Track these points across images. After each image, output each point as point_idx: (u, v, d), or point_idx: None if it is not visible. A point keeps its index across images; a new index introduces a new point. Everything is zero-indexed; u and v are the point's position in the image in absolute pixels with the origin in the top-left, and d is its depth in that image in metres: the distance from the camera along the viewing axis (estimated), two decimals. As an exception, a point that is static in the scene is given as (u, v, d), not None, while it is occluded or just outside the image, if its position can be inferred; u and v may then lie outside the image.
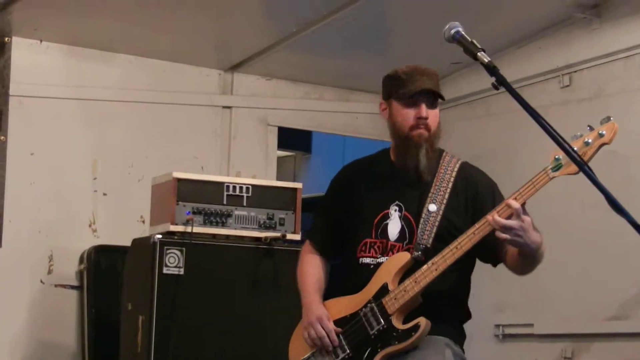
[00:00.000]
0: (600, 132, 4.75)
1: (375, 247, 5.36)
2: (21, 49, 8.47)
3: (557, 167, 4.82)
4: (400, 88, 5.26)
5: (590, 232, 7.28)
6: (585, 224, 7.12)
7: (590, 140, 4.73)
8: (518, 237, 4.83)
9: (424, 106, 5.21)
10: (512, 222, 4.81)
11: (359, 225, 5.44)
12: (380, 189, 5.46)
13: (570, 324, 8.10)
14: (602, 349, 7.90)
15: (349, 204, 5.53)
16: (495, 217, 4.86)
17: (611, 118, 4.81)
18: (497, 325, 8.47)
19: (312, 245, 5.65)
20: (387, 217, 5.36)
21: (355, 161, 5.83)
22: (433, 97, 5.25)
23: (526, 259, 5.01)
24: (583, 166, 4.30)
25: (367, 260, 5.35)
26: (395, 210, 5.36)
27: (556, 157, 4.78)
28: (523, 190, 4.91)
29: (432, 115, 5.25)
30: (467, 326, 5.39)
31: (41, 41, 8.53)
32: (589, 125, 4.78)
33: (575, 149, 4.62)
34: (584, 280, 7.87)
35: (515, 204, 4.82)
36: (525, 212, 4.86)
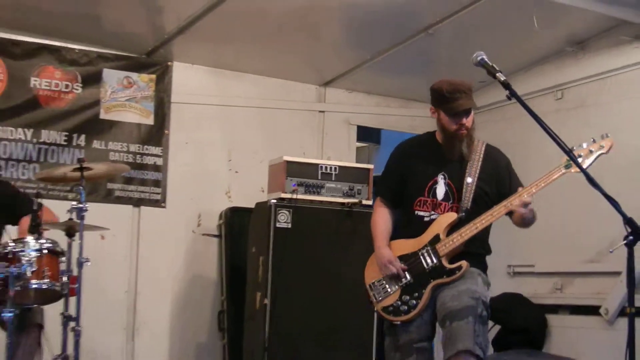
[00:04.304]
0: (601, 144, 4.99)
1: (427, 203, 5.36)
2: (179, 70, 8.74)
3: (568, 166, 4.96)
4: (445, 104, 5.26)
5: (574, 201, 7.34)
6: (570, 196, 7.14)
7: (593, 150, 4.98)
8: (526, 215, 5.10)
9: (464, 119, 5.26)
10: (524, 210, 5.02)
11: (414, 187, 5.42)
12: (431, 162, 5.43)
13: (560, 265, 8.27)
14: (582, 283, 8.07)
15: (407, 170, 5.50)
16: (524, 198, 5.02)
17: (609, 135, 5.04)
18: (509, 266, 8.66)
19: (382, 200, 5.63)
20: (436, 182, 5.36)
21: (408, 140, 5.82)
22: (469, 110, 5.29)
23: (526, 222, 5.21)
24: (584, 169, 4.68)
25: (421, 213, 5.36)
26: (442, 178, 5.37)
27: (567, 159, 4.89)
28: (543, 179, 5.07)
29: (469, 120, 5.30)
30: (489, 266, 5.43)
31: (192, 64, 8.81)
32: (592, 138, 5.00)
33: (581, 154, 4.92)
34: (570, 235, 8.03)
35: (528, 199, 5.03)
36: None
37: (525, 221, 5.25)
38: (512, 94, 4.74)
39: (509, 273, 8.65)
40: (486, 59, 4.76)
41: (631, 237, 4.25)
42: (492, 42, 7.27)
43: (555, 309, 8.30)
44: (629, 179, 7.15)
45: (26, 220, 6.05)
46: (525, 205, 5.08)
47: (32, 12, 7.66)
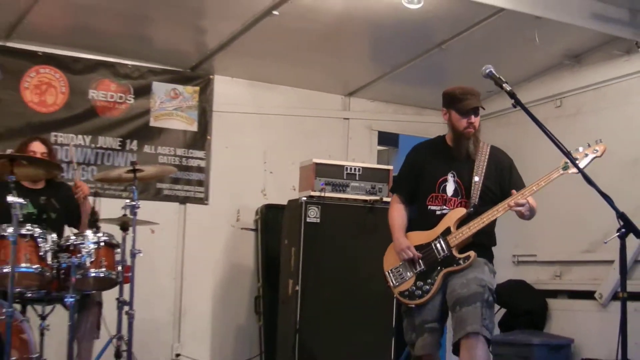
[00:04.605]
0: (595, 149, 5.01)
1: (439, 199, 5.38)
2: (220, 83, 8.76)
3: (565, 167, 4.98)
4: (457, 103, 5.30)
5: (572, 198, 7.24)
6: (568, 194, 6.96)
7: (588, 153, 5.00)
8: (524, 212, 5.07)
9: (472, 116, 5.28)
10: (522, 208, 5.04)
11: (427, 184, 5.44)
12: (442, 161, 5.44)
13: (559, 254, 8.24)
14: (579, 270, 8.04)
15: (421, 169, 5.52)
16: (518, 200, 5.05)
17: (602, 140, 5.05)
18: (514, 255, 8.60)
19: (398, 197, 5.63)
20: (446, 180, 5.38)
21: (422, 142, 5.77)
22: (477, 110, 5.32)
23: (525, 217, 5.16)
24: (581, 170, 4.67)
25: (433, 207, 5.38)
26: (451, 176, 5.38)
27: (565, 162, 4.93)
28: (543, 178, 5.08)
29: (477, 120, 5.33)
30: (496, 255, 5.45)
31: (232, 77, 8.83)
32: (588, 143, 5.01)
33: (577, 157, 4.90)
34: (568, 228, 7.99)
35: (523, 201, 5.08)
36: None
37: (524, 217, 5.23)
38: (517, 103, 4.78)
39: (513, 262, 8.61)
40: (494, 71, 4.81)
41: (623, 230, 4.29)
42: (498, 56, 7.23)
43: (555, 293, 8.27)
44: (620, 178, 7.08)
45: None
46: (520, 205, 5.10)
47: (91, 32, 7.71)
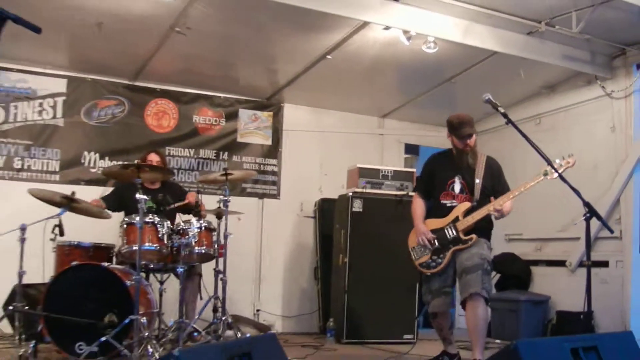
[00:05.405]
0: (568, 160, 5.01)
1: (449, 195, 5.40)
2: (288, 109, 8.73)
3: (545, 174, 5.00)
4: (456, 131, 5.35)
5: (549, 193, 6.69)
6: (546, 190, 6.86)
7: (563, 164, 4.99)
8: (497, 216, 5.20)
9: (467, 140, 5.35)
10: (496, 214, 5.16)
11: (440, 184, 5.45)
12: (450, 167, 5.44)
13: (539, 233, 8.19)
14: (554, 245, 8.01)
15: (435, 174, 5.52)
16: (496, 207, 5.14)
17: (573, 154, 5.06)
18: (506, 234, 8.45)
19: (418, 194, 5.64)
20: (454, 181, 5.41)
21: (435, 154, 5.75)
22: (471, 135, 5.36)
23: (497, 218, 5.27)
24: (560, 174, 4.79)
25: (445, 202, 5.41)
26: (458, 179, 5.40)
27: (546, 169, 4.95)
28: (527, 184, 5.11)
29: (472, 141, 5.37)
30: (492, 235, 5.47)
31: (297, 105, 8.78)
32: (562, 156, 5.02)
33: (557, 167, 4.87)
34: (546, 214, 7.91)
35: (498, 208, 5.14)
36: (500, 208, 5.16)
37: (496, 218, 5.29)
38: (509, 121, 4.82)
39: (505, 239, 8.50)
40: (491, 98, 4.85)
41: (588, 215, 4.36)
42: (493, 87, 6.80)
43: (536, 262, 8.23)
44: (584, 179, 6.93)
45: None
46: (497, 211, 5.15)
47: (194, 74, 7.77)
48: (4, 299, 6.22)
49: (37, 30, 2.66)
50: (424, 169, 5.75)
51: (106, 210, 6.29)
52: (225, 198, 5.95)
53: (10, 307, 5.48)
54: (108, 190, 6.92)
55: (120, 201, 6.44)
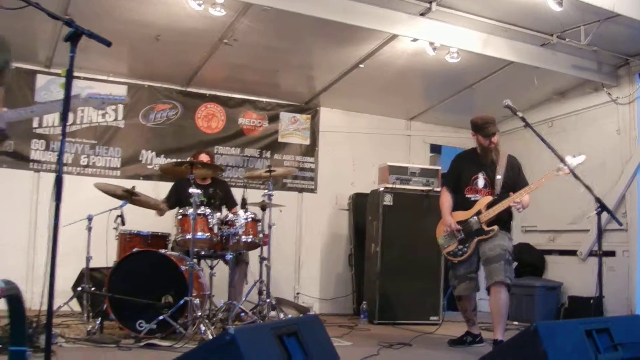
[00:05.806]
0: (579, 160, 4.88)
1: (473, 190, 5.39)
2: (324, 112, 8.71)
3: (559, 170, 4.94)
4: (481, 130, 5.33)
5: (562, 188, 6.54)
6: (560, 186, 6.80)
7: (574, 162, 4.86)
8: (518, 208, 5.13)
9: (491, 139, 5.31)
10: (517, 205, 5.11)
11: (465, 180, 5.43)
12: (474, 165, 5.43)
13: (552, 225, 8.12)
14: (566, 236, 7.94)
15: (461, 170, 5.50)
16: (515, 200, 5.10)
17: (582, 153, 4.97)
18: (522, 226, 8.44)
19: (446, 188, 5.61)
20: (477, 177, 5.39)
21: (461, 153, 5.80)
22: (495, 133, 5.32)
23: (519, 211, 5.23)
24: (573, 170, 4.77)
25: (469, 196, 5.40)
26: (482, 175, 5.39)
27: (559, 165, 4.88)
28: (542, 179, 5.06)
29: (495, 139, 5.33)
30: (511, 227, 5.50)
31: (332, 108, 8.75)
32: (574, 154, 4.91)
33: (569, 163, 4.82)
34: (559, 208, 7.79)
35: (518, 201, 5.07)
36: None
37: (518, 211, 5.22)
38: (527, 124, 4.81)
39: (522, 230, 8.45)
40: (510, 103, 4.86)
41: (599, 209, 4.36)
42: (510, 93, 6.86)
43: (550, 252, 8.16)
44: (592, 175, 6.92)
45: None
46: (517, 203, 5.09)
47: (240, 80, 7.78)
48: (73, 281, 6.30)
49: (107, 43, 2.71)
50: (451, 166, 5.71)
51: (164, 205, 6.34)
52: (270, 192, 5.94)
53: (79, 288, 5.67)
54: (161, 184, 7.09)
55: (177, 197, 6.49)
